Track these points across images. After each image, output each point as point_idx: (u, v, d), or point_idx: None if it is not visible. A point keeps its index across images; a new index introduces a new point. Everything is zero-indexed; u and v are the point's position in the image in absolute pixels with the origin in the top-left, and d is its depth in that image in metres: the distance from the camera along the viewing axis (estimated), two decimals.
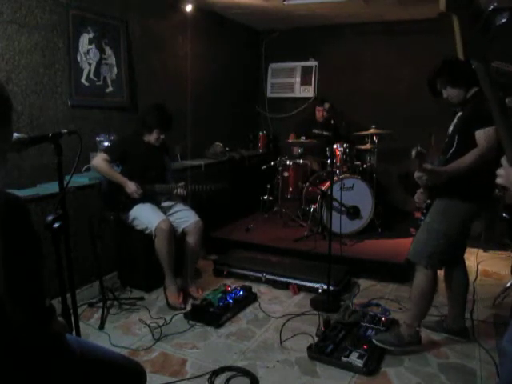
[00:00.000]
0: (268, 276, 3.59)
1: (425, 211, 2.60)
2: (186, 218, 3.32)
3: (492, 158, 2.13)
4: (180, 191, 3.25)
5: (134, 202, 3.19)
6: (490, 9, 0.82)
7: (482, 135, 2.23)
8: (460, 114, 2.44)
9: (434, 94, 2.53)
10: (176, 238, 3.27)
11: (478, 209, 2.45)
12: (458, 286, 2.69)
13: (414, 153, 2.26)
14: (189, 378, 2.33)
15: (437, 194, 2.49)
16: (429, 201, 2.57)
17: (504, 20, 0.84)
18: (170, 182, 3.40)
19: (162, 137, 3.27)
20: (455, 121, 2.48)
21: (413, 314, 2.58)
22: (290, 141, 5.03)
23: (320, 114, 5.09)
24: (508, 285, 3.25)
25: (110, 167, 3.16)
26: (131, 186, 3.15)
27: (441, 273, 2.81)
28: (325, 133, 5.06)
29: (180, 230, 3.31)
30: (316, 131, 5.09)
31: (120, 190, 3.16)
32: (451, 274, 2.70)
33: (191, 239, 3.30)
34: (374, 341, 2.55)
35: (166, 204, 3.38)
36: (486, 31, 0.84)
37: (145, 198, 3.21)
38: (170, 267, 3.18)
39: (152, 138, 3.25)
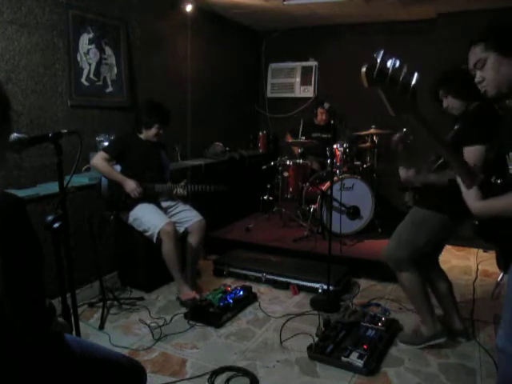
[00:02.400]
0: (268, 276, 3.59)
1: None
2: (188, 217, 3.32)
3: None
4: (180, 191, 3.25)
5: (135, 201, 3.19)
6: (402, 77, 1.06)
7: (468, 153, 2.16)
8: (457, 126, 2.40)
9: (435, 100, 2.51)
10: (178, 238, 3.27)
11: (451, 220, 2.42)
12: (442, 288, 2.71)
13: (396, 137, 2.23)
14: (189, 378, 2.33)
15: (416, 202, 2.50)
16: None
17: (415, 80, 1.09)
18: (168, 181, 3.39)
19: (161, 132, 3.26)
20: (452, 132, 2.43)
21: (417, 311, 2.68)
22: (290, 141, 5.03)
23: (322, 116, 5.08)
24: (499, 279, 3.25)
25: (110, 166, 3.15)
26: (131, 184, 3.14)
27: None
28: (324, 135, 5.06)
29: (182, 229, 3.31)
30: (315, 135, 5.08)
31: (120, 190, 3.16)
32: (430, 279, 2.71)
33: (194, 238, 3.30)
34: (399, 341, 2.70)
35: (166, 204, 3.37)
36: (406, 91, 1.08)
37: (145, 198, 3.21)
38: (179, 270, 3.17)
39: (151, 133, 3.23)
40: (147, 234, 3.17)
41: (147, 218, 3.17)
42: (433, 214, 2.43)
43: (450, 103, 2.41)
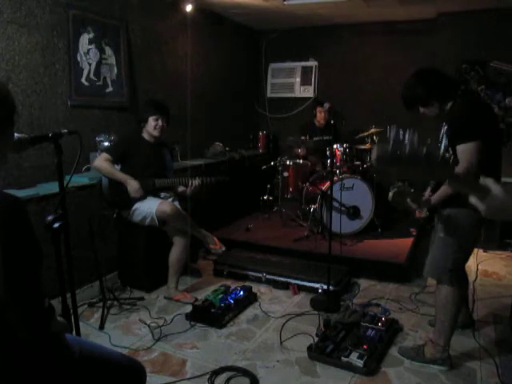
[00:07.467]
0: (268, 276, 3.58)
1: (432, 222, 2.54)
2: None
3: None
4: (195, 182, 3.22)
5: (136, 199, 3.20)
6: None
7: (461, 151, 2.13)
8: (445, 127, 2.34)
9: (408, 109, 2.46)
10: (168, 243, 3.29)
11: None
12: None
13: (390, 195, 2.16)
14: (189, 378, 2.33)
15: (448, 205, 2.36)
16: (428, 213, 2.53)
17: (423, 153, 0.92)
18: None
19: (161, 124, 3.21)
20: (442, 134, 2.37)
21: (437, 329, 2.44)
22: (292, 138, 5.00)
23: (322, 115, 5.07)
24: None
25: (112, 167, 3.16)
26: (133, 185, 3.15)
27: None
28: (325, 137, 5.05)
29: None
30: (316, 138, 5.07)
31: (121, 188, 3.16)
32: None
33: (175, 250, 3.26)
34: (397, 352, 2.58)
35: (164, 195, 3.40)
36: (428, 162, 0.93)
37: (146, 194, 3.22)
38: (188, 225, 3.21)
39: (150, 127, 3.21)
40: (147, 220, 3.18)
41: (144, 204, 3.19)
42: (470, 211, 2.24)
43: (422, 111, 2.40)
